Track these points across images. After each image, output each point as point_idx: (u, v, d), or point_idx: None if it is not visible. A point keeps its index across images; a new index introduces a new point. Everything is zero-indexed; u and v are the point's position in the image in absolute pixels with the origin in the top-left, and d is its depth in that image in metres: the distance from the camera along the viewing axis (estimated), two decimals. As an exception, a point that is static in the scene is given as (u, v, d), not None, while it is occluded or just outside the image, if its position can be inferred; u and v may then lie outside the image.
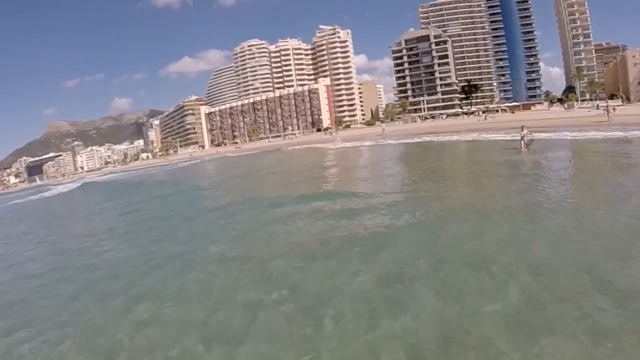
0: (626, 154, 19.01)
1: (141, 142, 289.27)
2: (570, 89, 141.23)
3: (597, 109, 68.03)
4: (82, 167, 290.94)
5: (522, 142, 22.09)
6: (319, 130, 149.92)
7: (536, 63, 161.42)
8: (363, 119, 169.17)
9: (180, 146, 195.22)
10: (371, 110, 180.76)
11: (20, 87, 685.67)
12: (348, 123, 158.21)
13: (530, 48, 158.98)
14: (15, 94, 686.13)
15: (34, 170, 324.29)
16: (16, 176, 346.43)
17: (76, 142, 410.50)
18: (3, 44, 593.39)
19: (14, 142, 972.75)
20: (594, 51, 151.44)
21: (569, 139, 28.86)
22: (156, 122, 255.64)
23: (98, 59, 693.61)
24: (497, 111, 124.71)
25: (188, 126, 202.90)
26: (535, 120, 53.38)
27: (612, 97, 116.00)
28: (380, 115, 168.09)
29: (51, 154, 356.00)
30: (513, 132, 32.63)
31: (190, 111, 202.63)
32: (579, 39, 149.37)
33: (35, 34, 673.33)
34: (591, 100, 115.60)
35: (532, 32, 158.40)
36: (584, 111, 68.57)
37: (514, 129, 34.01)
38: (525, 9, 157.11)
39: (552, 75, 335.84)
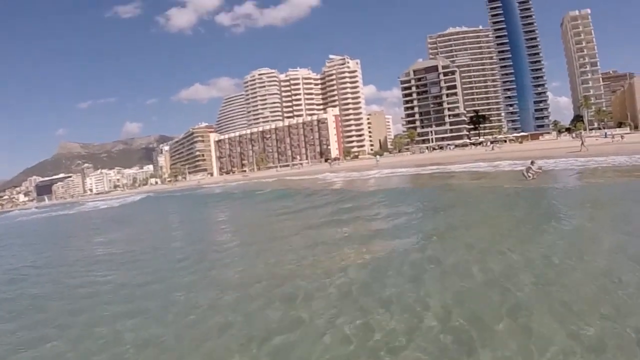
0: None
1: (151, 167, 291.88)
2: (578, 118, 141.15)
3: (605, 137, 67.98)
4: (90, 190, 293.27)
5: (528, 173, 22.02)
6: (326, 160, 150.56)
7: (544, 93, 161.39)
8: (372, 149, 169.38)
9: (189, 173, 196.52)
10: (379, 140, 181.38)
11: (34, 107, 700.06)
12: (356, 153, 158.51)
13: (537, 78, 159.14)
14: (29, 113, 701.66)
15: (44, 190, 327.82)
16: (25, 195, 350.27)
17: (86, 164, 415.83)
18: (20, 63, 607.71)
19: (25, 160, 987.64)
20: (601, 79, 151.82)
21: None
22: (166, 147, 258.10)
23: (111, 83, 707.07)
24: (505, 141, 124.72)
25: (197, 153, 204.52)
26: (520, 151, 55.35)
27: (620, 125, 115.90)
28: (389, 146, 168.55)
29: (61, 175, 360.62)
30: (519, 161, 32.80)
31: (200, 138, 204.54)
32: (586, 67, 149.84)
33: (51, 56, 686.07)
34: (599, 128, 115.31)
35: (539, 61, 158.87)
36: (592, 139, 68.48)
37: (521, 158, 35.35)
38: (532, 39, 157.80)
39: (560, 105, 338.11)
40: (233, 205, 32.27)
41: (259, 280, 8.49)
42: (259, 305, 7.01)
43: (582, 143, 44.45)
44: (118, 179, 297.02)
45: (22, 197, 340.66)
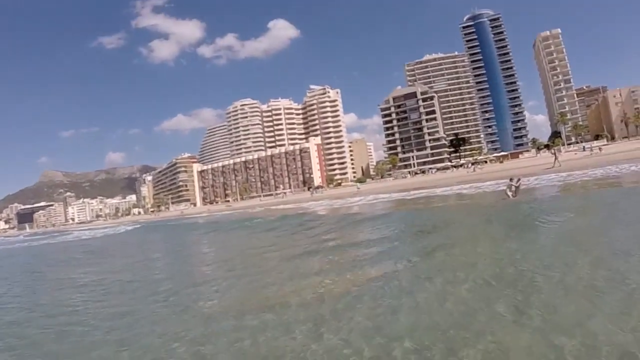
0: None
1: (133, 197, 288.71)
2: (555, 134, 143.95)
3: (584, 150, 69.64)
4: (72, 219, 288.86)
5: (510, 190, 22.51)
6: (309, 188, 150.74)
7: (521, 112, 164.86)
8: (354, 177, 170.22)
9: (172, 203, 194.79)
10: (362, 167, 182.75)
11: (16, 134, 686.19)
12: (339, 181, 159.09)
13: (514, 98, 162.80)
14: (11, 141, 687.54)
15: (25, 217, 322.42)
16: (6, 222, 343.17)
17: (68, 193, 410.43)
18: (3, 90, 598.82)
19: (7, 187, 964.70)
20: (575, 95, 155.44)
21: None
22: (149, 177, 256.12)
23: (94, 112, 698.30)
24: (486, 162, 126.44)
25: (180, 183, 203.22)
26: (501, 171, 57.03)
27: (597, 137, 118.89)
28: (371, 172, 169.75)
29: (43, 203, 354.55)
30: (501, 180, 34.32)
31: (183, 168, 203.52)
32: (560, 85, 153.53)
33: (34, 84, 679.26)
34: (577, 142, 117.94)
35: (515, 82, 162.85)
36: (571, 154, 70.16)
37: (502, 178, 36.29)
38: (507, 61, 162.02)
39: (537, 123, 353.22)
40: (228, 236, 31.89)
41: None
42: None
43: (556, 159, 46.89)
44: (100, 209, 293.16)
45: (2, 224, 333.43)
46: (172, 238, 38.53)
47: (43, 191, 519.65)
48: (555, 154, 51.46)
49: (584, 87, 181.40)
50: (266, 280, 11.26)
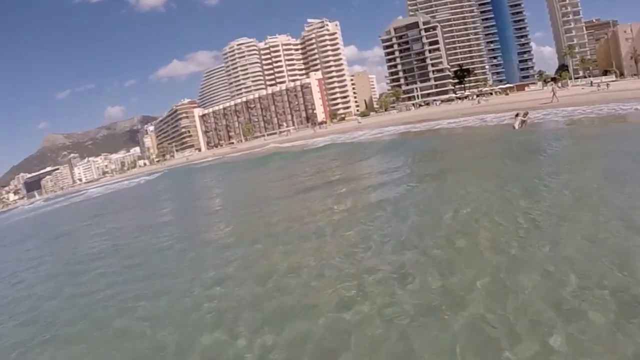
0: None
1: (137, 149, 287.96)
2: (563, 68, 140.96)
3: (591, 85, 68.72)
4: (80, 179, 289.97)
5: (515, 123, 22.99)
6: (313, 125, 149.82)
7: (527, 44, 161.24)
8: (357, 110, 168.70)
9: (177, 150, 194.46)
10: (365, 101, 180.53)
11: (12, 103, 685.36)
12: (343, 115, 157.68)
13: (520, 29, 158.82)
14: (7, 110, 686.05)
15: (33, 185, 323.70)
16: (15, 193, 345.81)
17: (72, 155, 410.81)
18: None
19: (10, 159, 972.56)
20: (584, 28, 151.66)
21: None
22: (151, 128, 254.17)
23: (87, 69, 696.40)
24: (491, 94, 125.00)
25: (183, 130, 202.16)
26: (507, 103, 56.47)
27: (605, 73, 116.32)
28: (375, 105, 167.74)
29: (48, 169, 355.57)
30: (506, 113, 35.29)
31: (184, 114, 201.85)
32: (569, 16, 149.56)
33: (23, 49, 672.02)
34: (585, 77, 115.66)
35: (521, 12, 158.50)
36: (579, 88, 69.49)
37: (508, 110, 38.23)
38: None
39: (544, 55, 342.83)
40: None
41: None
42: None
43: (554, 94, 47.24)
44: (106, 165, 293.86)
45: (12, 196, 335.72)
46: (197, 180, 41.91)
47: (47, 156, 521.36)
48: (553, 89, 51.39)
49: (594, 20, 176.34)
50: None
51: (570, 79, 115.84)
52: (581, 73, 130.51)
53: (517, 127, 22.80)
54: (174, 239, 11.98)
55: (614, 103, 32.72)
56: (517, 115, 23.67)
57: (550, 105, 41.23)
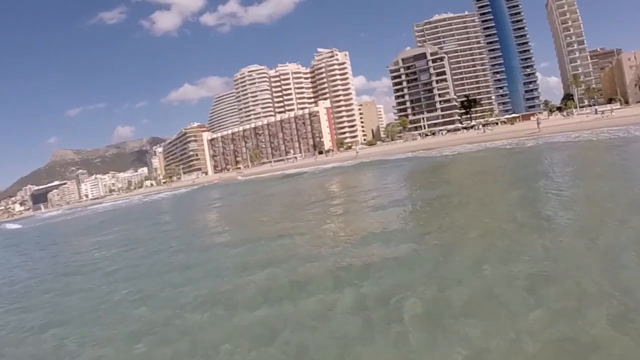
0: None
1: (145, 169, 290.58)
2: (568, 97, 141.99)
3: (596, 113, 69.76)
4: (86, 195, 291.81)
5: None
6: (320, 152, 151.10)
7: (533, 74, 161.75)
8: (364, 139, 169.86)
9: (184, 173, 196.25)
10: (372, 130, 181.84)
11: (24, 116, 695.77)
12: (350, 144, 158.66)
13: (526, 59, 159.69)
14: (19, 123, 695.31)
15: (39, 198, 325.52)
16: (21, 204, 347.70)
17: (80, 170, 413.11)
18: (7, 75, 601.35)
19: (19, 170, 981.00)
20: (589, 57, 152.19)
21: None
22: (159, 149, 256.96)
23: (99, 89, 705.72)
24: (497, 124, 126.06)
25: (191, 153, 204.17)
26: (507, 132, 64.46)
27: (610, 101, 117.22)
28: (382, 135, 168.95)
29: (56, 182, 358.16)
30: (508, 140, 44.79)
31: (193, 138, 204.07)
32: (574, 46, 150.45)
33: (38, 66, 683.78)
34: (590, 106, 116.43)
35: (526, 43, 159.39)
36: (583, 117, 70.98)
37: (511, 138, 47.69)
38: (518, 21, 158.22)
39: (550, 85, 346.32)
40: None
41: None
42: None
43: (538, 124, 52.55)
44: (113, 183, 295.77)
45: (17, 207, 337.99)
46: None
47: (55, 170, 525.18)
48: (537, 120, 58.35)
49: (598, 49, 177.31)
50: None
51: (576, 107, 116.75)
52: (586, 102, 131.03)
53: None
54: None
55: (596, 129, 38.68)
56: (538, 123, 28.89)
57: (534, 135, 47.16)
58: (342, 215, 14.62)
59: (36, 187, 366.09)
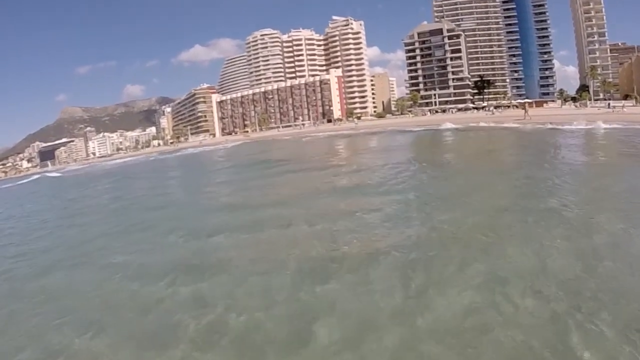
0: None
1: (153, 129, 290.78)
2: (583, 88, 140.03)
3: (608, 107, 69.60)
4: (93, 153, 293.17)
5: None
6: (329, 121, 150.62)
7: (550, 60, 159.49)
8: (374, 111, 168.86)
9: (192, 134, 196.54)
10: (382, 102, 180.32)
11: (33, 73, 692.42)
12: (359, 114, 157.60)
13: (544, 45, 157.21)
14: (28, 80, 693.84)
15: (47, 155, 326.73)
16: (29, 161, 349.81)
17: (89, 128, 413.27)
18: (18, 30, 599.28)
19: (27, 127, 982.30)
20: (609, 50, 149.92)
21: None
22: (168, 109, 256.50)
23: (110, 46, 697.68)
24: (508, 107, 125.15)
25: (199, 114, 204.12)
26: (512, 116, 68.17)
27: (626, 97, 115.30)
28: (392, 108, 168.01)
29: (64, 140, 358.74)
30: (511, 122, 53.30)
31: (202, 99, 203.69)
32: (594, 37, 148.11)
33: (48, 21, 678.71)
34: (605, 99, 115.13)
35: (546, 29, 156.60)
36: (595, 109, 70.93)
37: (517, 120, 56.15)
38: (540, 5, 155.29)
39: (568, 74, 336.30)
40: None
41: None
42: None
43: (526, 112, 59.39)
44: (121, 142, 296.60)
45: (25, 164, 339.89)
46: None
47: (64, 128, 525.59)
48: (525, 107, 65.37)
49: (619, 44, 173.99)
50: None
51: (590, 100, 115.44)
52: (601, 95, 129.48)
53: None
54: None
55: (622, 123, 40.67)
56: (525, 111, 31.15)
57: (522, 121, 53.82)
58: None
59: (44, 144, 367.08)
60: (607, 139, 30.68)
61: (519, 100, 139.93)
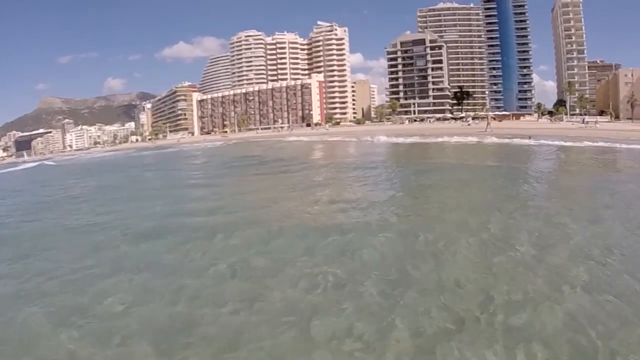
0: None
1: (132, 124, 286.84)
2: (560, 103, 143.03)
3: (582, 122, 71.07)
4: (70, 146, 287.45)
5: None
6: (308, 125, 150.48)
7: (529, 75, 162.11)
8: (354, 117, 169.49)
9: (170, 131, 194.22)
10: (362, 109, 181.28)
11: (12, 60, 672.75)
12: (338, 120, 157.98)
13: (524, 59, 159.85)
14: (6, 67, 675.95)
15: (23, 145, 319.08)
16: (4, 150, 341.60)
17: (67, 120, 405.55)
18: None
19: (5, 115, 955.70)
20: (587, 67, 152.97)
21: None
22: (148, 105, 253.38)
23: (93, 37, 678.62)
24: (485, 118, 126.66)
25: (179, 112, 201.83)
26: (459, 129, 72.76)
27: (601, 113, 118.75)
28: (372, 115, 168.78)
29: (41, 130, 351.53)
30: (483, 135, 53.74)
31: (183, 97, 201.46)
32: (573, 54, 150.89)
33: (30, 8, 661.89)
34: (580, 114, 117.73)
35: (527, 44, 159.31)
36: (569, 124, 72.59)
37: (479, 132, 58.14)
38: (522, 21, 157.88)
39: (547, 89, 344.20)
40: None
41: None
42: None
43: (488, 124, 62.03)
44: (99, 136, 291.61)
45: (0, 152, 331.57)
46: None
47: (42, 118, 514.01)
48: (487, 119, 70.12)
49: (597, 62, 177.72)
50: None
51: (566, 114, 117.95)
52: (578, 110, 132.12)
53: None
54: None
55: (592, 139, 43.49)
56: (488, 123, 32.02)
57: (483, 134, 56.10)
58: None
59: (20, 134, 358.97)
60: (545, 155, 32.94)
61: (496, 113, 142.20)
